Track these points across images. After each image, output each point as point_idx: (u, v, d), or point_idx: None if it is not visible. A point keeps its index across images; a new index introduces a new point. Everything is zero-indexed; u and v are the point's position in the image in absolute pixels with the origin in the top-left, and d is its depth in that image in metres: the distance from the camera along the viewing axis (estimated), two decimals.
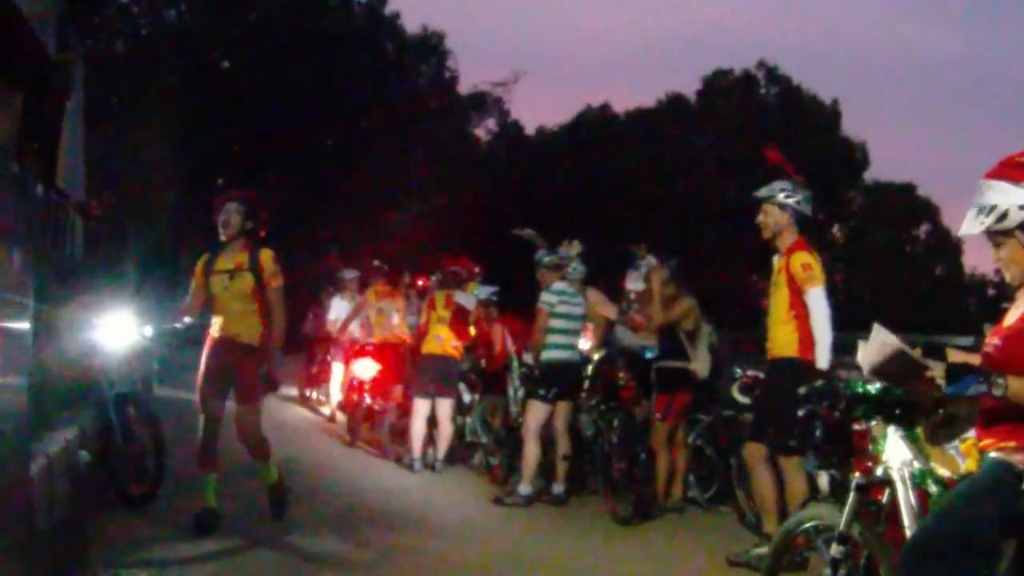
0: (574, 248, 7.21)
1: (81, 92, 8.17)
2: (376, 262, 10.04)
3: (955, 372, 2.75)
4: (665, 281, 6.81)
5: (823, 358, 4.91)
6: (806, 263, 5.02)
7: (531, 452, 6.83)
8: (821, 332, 4.96)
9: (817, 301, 4.99)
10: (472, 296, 8.39)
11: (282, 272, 5.63)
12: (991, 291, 36.09)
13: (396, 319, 9.15)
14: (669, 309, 6.73)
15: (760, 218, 5.22)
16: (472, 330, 8.41)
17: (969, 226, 2.82)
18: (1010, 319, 2.85)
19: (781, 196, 5.13)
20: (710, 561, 5.33)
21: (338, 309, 10.82)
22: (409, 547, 5.40)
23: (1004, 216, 2.74)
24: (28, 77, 3.39)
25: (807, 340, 5.00)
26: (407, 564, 5.08)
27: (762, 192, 5.21)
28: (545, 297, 6.86)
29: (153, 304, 8.03)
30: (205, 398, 5.53)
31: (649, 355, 6.97)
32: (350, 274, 11.00)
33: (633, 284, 7.43)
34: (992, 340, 2.85)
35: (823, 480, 5.23)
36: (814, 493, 5.07)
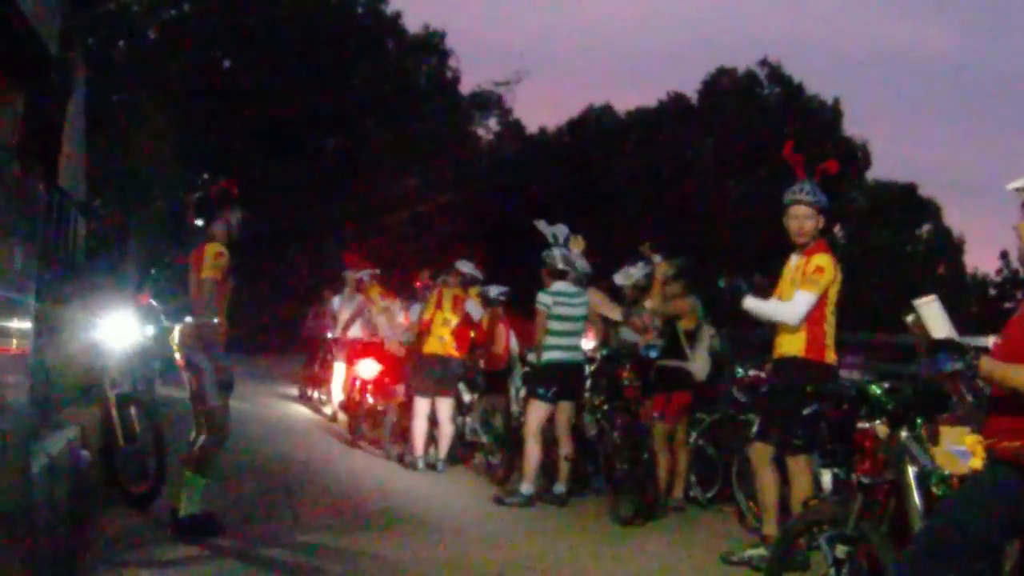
0: (578, 244, 7.19)
1: (83, 92, 8.15)
2: (376, 269, 10.03)
3: (937, 346, 2.77)
4: (670, 278, 6.80)
5: (757, 306, 5.00)
6: (820, 266, 4.98)
7: (532, 452, 6.82)
8: (773, 314, 5.01)
9: (799, 301, 4.96)
10: (480, 308, 8.37)
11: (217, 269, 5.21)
12: (992, 291, 36.10)
13: (401, 318, 9.14)
14: (670, 305, 6.73)
15: (802, 222, 5.06)
16: (472, 333, 8.42)
17: (1015, 181, 2.83)
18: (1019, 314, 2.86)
19: (816, 199, 5.04)
20: (711, 561, 5.32)
21: (341, 307, 10.86)
22: (410, 547, 5.39)
23: None
24: (30, 77, 3.39)
25: (815, 340, 4.99)
26: (408, 563, 5.07)
27: (807, 196, 5.05)
28: (541, 298, 6.85)
29: (154, 304, 8.00)
30: (223, 404, 5.29)
31: (653, 354, 6.96)
32: (349, 275, 11.00)
33: (623, 280, 7.40)
34: (996, 340, 2.85)
35: (826, 479, 5.23)
36: (817, 492, 5.07)
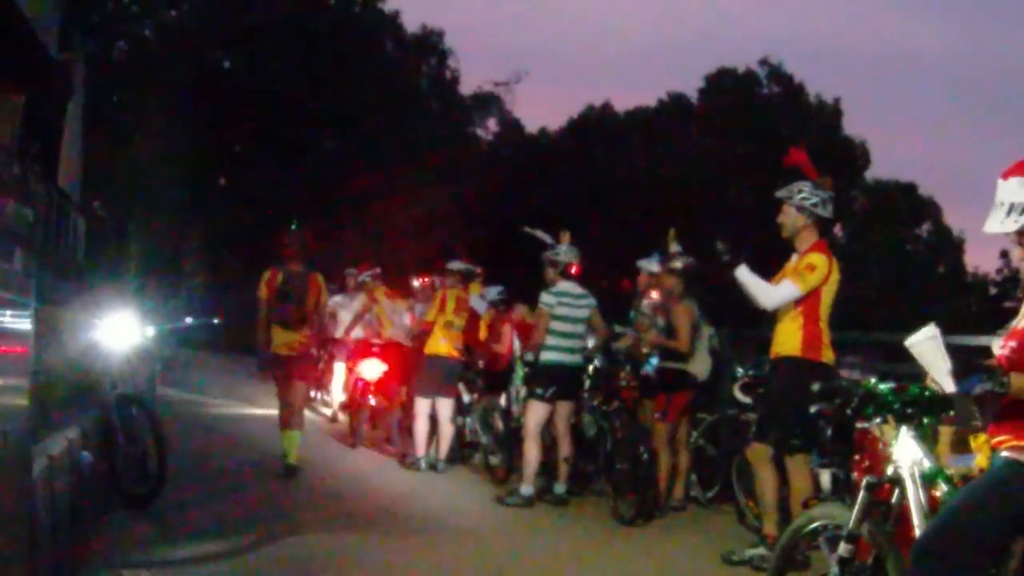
0: (565, 238, 7.19)
1: (82, 93, 8.16)
2: (378, 269, 10.01)
3: (964, 368, 2.80)
4: (674, 271, 6.78)
5: (747, 278, 5.05)
6: (812, 264, 5.01)
7: (531, 452, 6.81)
8: (755, 292, 5.05)
9: (782, 291, 5.02)
10: (483, 301, 8.37)
11: (257, 287, 7.41)
12: (993, 290, 36.09)
13: (407, 320, 9.13)
14: (676, 316, 6.70)
15: (779, 218, 5.19)
16: (483, 333, 8.44)
17: (999, 226, 2.78)
18: (1022, 321, 2.85)
19: (798, 198, 5.10)
20: (712, 561, 5.32)
21: (342, 309, 10.86)
22: (411, 547, 5.39)
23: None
24: (30, 78, 3.38)
25: (812, 339, 5.01)
26: (408, 564, 5.07)
27: (782, 192, 5.18)
28: (544, 298, 6.84)
29: (155, 304, 8.03)
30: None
31: (649, 368, 6.98)
32: (351, 275, 11.00)
33: (645, 265, 7.36)
34: (1008, 342, 2.85)
35: (825, 478, 5.22)
36: (816, 492, 5.07)
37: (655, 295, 7.23)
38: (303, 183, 24.32)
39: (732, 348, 7.98)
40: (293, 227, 7.65)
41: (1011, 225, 2.77)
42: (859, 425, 4.68)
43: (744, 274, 5.10)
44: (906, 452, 3.11)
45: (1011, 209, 2.77)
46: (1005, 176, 2.80)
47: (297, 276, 7.36)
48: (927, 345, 3.07)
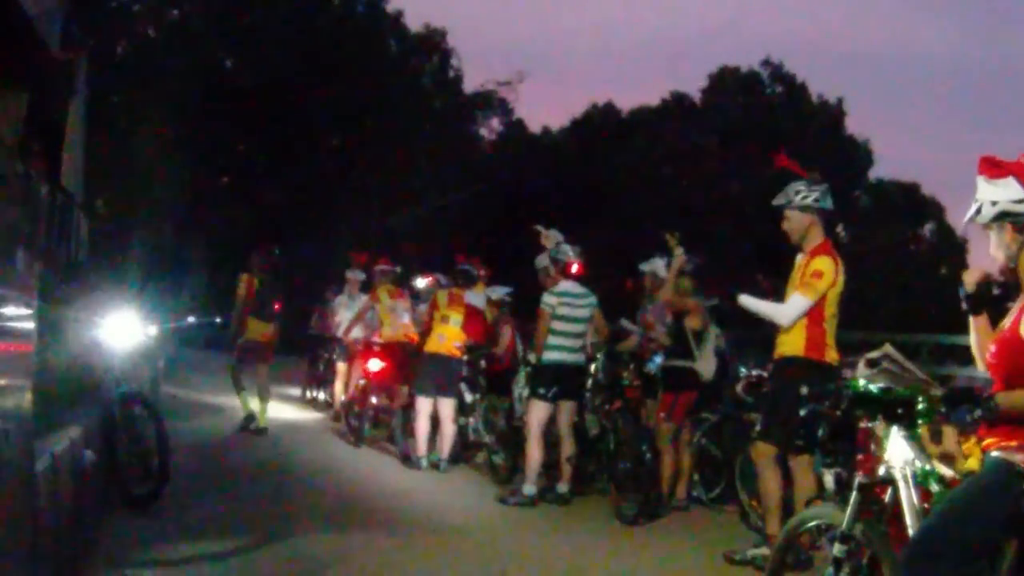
0: (550, 240, 7.19)
1: (84, 92, 8.15)
2: (385, 265, 10.01)
3: (953, 399, 2.84)
4: (684, 273, 6.78)
5: (752, 304, 5.14)
6: (819, 270, 5.00)
7: (533, 452, 6.82)
8: (767, 314, 5.10)
9: (794, 305, 5.01)
10: (482, 295, 8.40)
11: (239, 285, 9.49)
12: (996, 291, 35.98)
13: (407, 319, 9.15)
14: (681, 297, 6.71)
15: (784, 225, 5.16)
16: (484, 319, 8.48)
17: (965, 217, 2.97)
18: (1006, 322, 2.88)
19: (798, 199, 5.08)
20: (714, 560, 5.32)
21: (344, 308, 10.87)
22: (412, 547, 5.40)
23: (979, 211, 2.88)
24: (32, 77, 3.39)
25: (815, 340, 5.00)
26: (410, 564, 5.08)
27: (779, 200, 5.14)
28: (546, 299, 6.85)
29: (157, 303, 8.03)
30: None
31: (652, 367, 6.98)
32: (353, 274, 11.00)
33: (647, 267, 7.37)
34: (990, 346, 2.87)
35: (829, 479, 5.22)
36: (820, 492, 5.06)
37: (661, 294, 7.21)
38: (305, 182, 24.32)
39: (735, 348, 7.99)
40: (276, 252, 10.06)
41: (964, 218, 2.94)
42: (864, 425, 4.68)
43: (748, 302, 5.15)
44: (898, 452, 3.12)
45: (979, 204, 2.90)
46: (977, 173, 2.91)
47: (268, 281, 9.60)
48: (897, 361, 3.11)
